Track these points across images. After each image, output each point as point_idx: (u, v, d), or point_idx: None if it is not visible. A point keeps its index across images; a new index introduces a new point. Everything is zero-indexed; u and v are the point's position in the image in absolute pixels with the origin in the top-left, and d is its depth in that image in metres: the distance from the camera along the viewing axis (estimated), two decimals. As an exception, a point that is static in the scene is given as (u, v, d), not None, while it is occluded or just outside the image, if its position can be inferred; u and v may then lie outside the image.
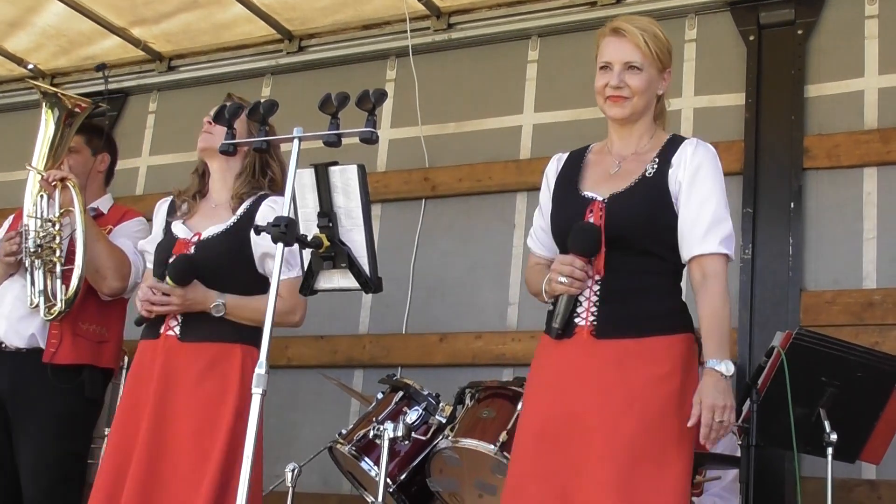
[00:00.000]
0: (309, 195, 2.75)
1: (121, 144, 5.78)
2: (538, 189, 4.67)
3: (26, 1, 5.32)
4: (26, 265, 3.74)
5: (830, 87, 4.35)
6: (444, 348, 4.75)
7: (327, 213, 2.73)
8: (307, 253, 2.77)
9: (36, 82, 4.16)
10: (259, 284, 3.20)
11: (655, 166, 2.78)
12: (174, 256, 3.20)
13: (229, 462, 2.99)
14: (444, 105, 5.07)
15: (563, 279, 2.69)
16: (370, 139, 2.64)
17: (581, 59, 4.78)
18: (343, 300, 4.85)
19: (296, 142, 2.66)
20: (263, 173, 3.31)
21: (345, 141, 2.70)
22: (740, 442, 3.37)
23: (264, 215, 3.14)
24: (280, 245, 2.58)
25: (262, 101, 2.74)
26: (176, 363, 3.11)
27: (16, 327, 3.76)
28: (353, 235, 2.74)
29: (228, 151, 2.82)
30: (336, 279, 2.78)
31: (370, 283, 2.75)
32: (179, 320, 3.16)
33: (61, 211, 3.75)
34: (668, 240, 2.75)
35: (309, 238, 2.69)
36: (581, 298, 2.72)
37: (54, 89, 4.02)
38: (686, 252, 2.73)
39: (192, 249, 3.21)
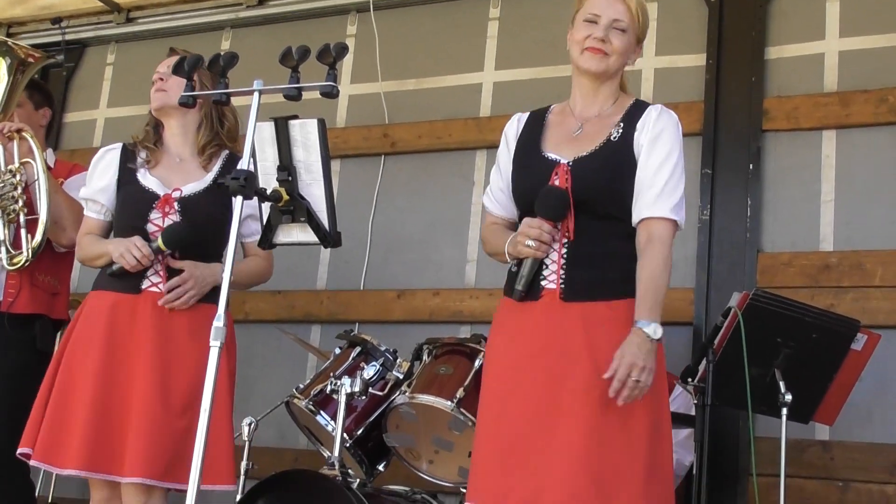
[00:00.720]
0: (268, 149, 2.74)
1: (78, 96, 5.79)
2: (498, 147, 4.72)
3: (-20, -51, 5.23)
4: None
5: (791, 50, 4.37)
6: (401, 305, 4.75)
7: (287, 167, 2.72)
8: (266, 206, 2.76)
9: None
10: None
11: (620, 130, 2.78)
12: (169, 221, 3.19)
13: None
14: (405, 61, 5.04)
15: (530, 242, 2.68)
16: (331, 93, 2.62)
17: (543, 18, 4.79)
18: (301, 256, 4.84)
19: (256, 95, 2.64)
20: (221, 124, 3.33)
21: (305, 96, 2.67)
22: (696, 401, 3.42)
23: None
24: (239, 198, 2.56)
25: (224, 53, 2.71)
26: (161, 320, 3.13)
27: None
28: (313, 190, 2.74)
29: (188, 104, 2.79)
30: (295, 233, 2.78)
31: (329, 238, 2.76)
32: (163, 276, 3.17)
33: (21, 161, 3.71)
34: (629, 204, 2.75)
35: (268, 192, 2.68)
36: (547, 261, 2.72)
37: (5, 38, 3.95)
38: (636, 214, 2.73)
39: (176, 206, 3.20)
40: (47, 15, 5.79)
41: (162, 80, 3.28)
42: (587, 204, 2.71)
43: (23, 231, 3.68)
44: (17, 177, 3.72)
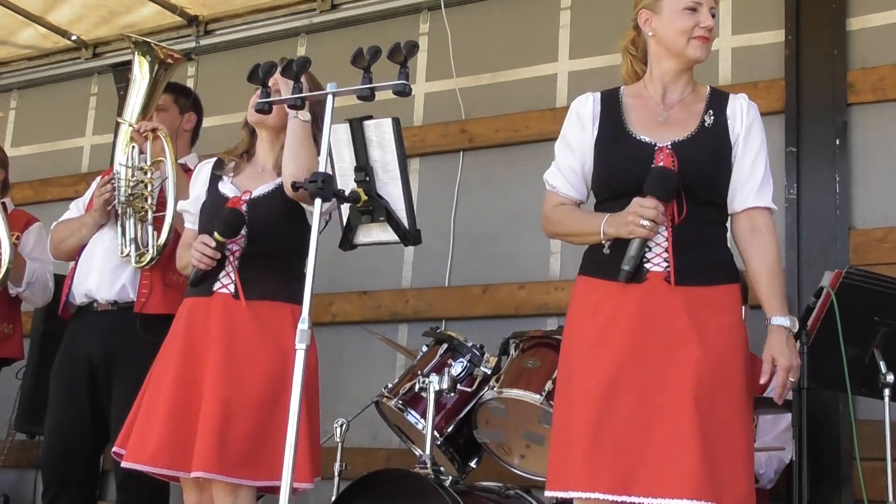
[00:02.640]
0: (345, 150, 2.76)
1: (160, 110, 5.88)
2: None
3: (66, -25, 5.37)
4: (119, 213, 3.79)
5: (874, 19, 4.26)
6: (486, 300, 4.74)
7: (364, 168, 2.74)
8: (345, 208, 2.78)
9: (128, 33, 4.16)
10: (302, 235, 3.19)
11: (712, 117, 2.77)
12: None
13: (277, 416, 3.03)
14: (479, 56, 5.03)
15: (645, 223, 2.63)
16: (403, 91, 2.62)
17: (614, 5, 4.72)
18: (385, 255, 4.86)
19: (329, 97, 2.66)
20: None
21: (381, 96, 2.69)
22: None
23: None
24: (318, 200, 2.58)
25: (297, 58, 2.74)
26: (232, 320, 3.14)
27: (108, 278, 3.80)
28: (391, 189, 2.75)
29: (264, 110, 2.82)
30: (375, 233, 2.80)
31: (409, 236, 2.77)
32: (233, 279, 3.18)
33: (153, 160, 3.78)
34: (724, 191, 2.77)
35: (346, 193, 2.70)
36: (651, 244, 2.68)
37: (146, 39, 4.01)
38: (739, 203, 2.77)
39: (243, 207, 3.22)
40: (130, 33, 5.90)
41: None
42: (691, 188, 2.70)
43: (149, 229, 3.74)
44: (148, 174, 3.78)
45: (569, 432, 2.67)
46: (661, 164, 2.69)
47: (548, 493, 2.68)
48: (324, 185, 2.57)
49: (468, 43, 5.03)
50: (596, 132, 2.83)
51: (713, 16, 2.78)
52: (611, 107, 2.85)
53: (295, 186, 2.67)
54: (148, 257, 3.74)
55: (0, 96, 6.53)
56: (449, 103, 5.02)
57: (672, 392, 2.58)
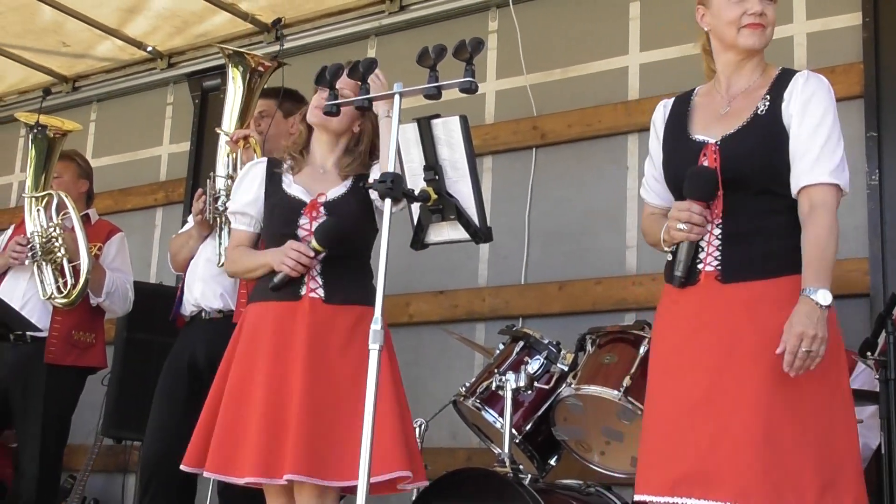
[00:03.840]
0: (413, 150, 2.76)
1: (234, 116, 5.96)
2: (649, 129, 4.63)
3: (140, -14, 5.49)
4: (218, 225, 3.85)
5: (953, -2, 4.14)
6: (563, 296, 4.71)
7: (433, 167, 2.73)
8: (416, 207, 2.77)
9: (221, 45, 4.25)
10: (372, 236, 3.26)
11: (767, 103, 2.70)
12: (321, 219, 3.23)
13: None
14: (548, 52, 5.01)
15: (681, 226, 2.62)
16: (469, 89, 2.61)
17: (686, -7, 4.67)
18: (461, 254, 4.86)
19: (396, 97, 2.66)
20: (370, 155, 3.32)
21: (451, 95, 2.69)
22: (878, 376, 3.26)
23: (376, 174, 3.15)
24: (388, 201, 2.58)
25: (363, 59, 2.74)
26: (323, 324, 3.16)
27: (211, 287, 3.85)
28: (460, 187, 2.74)
29: (332, 112, 2.83)
30: (446, 231, 2.79)
31: (480, 234, 2.75)
32: (320, 283, 3.20)
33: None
34: (786, 176, 2.66)
35: (416, 192, 2.70)
36: (702, 244, 2.66)
37: (238, 49, 4.09)
38: (794, 183, 2.64)
39: (322, 210, 3.24)
40: (203, 42, 6.03)
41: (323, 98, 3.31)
42: (739, 181, 2.64)
43: (225, 234, 3.79)
44: (231, 182, 3.83)
45: (648, 431, 2.69)
46: (703, 162, 2.67)
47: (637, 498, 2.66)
48: (393, 185, 2.57)
49: (537, 39, 5.00)
50: (663, 138, 2.86)
51: (771, 0, 2.72)
52: (679, 110, 2.85)
53: (365, 187, 2.67)
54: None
55: (80, 109, 6.67)
56: (520, 100, 5.00)
57: (728, 391, 2.54)
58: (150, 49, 6.10)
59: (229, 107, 3.98)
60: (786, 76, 2.73)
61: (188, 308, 3.94)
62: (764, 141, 2.66)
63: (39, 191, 4.56)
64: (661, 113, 2.90)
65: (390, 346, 3.23)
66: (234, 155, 3.84)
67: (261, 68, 3.95)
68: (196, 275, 3.91)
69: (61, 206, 4.52)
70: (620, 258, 4.63)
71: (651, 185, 2.91)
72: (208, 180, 3.88)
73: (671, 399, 2.63)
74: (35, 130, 4.57)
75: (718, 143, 2.68)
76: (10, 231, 4.92)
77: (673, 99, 2.91)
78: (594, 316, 4.50)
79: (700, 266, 2.66)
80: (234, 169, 3.82)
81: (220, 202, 3.81)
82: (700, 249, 2.66)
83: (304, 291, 3.20)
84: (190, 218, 4.08)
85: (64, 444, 4.69)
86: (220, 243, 3.82)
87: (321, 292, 3.20)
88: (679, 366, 2.63)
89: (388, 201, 2.59)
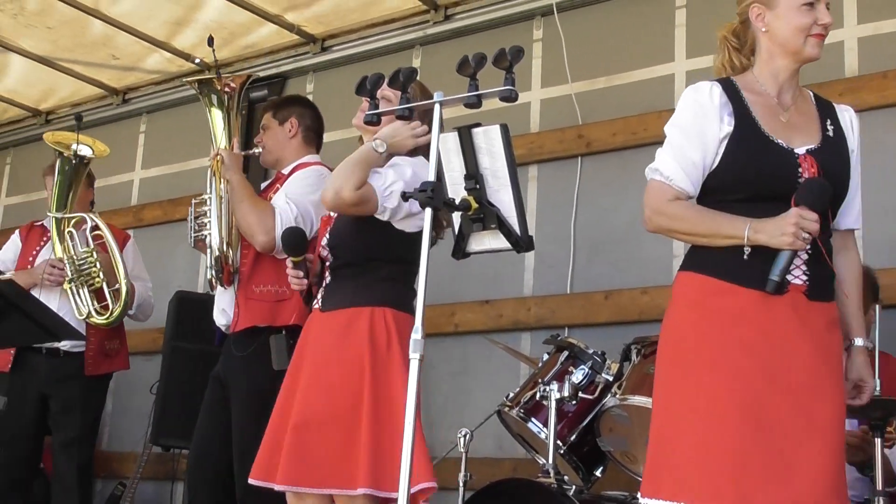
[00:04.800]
0: (454, 158, 2.74)
1: (282, 127, 6.00)
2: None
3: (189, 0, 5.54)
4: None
5: None
6: (609, 306, 4.68)
7: (473, 175, 2.71)
8: (457, 216, 2.76)
9: (188, 79, 4.34)
10: (388, 243, 3.21)
11: (831, 127, 2.70)
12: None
13: (355, 423, 3.03)
14: (593, 60, 4.98)
15: (806, 235, 2.53)
16: (510, 97, 2.60)
17: (732, 1, 4.61)
18: (506, 263, 4.84)
19: (437, 106, 2.66)
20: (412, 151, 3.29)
21: (495, 105, 2.68)
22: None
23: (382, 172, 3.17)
24: (428, 210, 2.58)
25: (403, 68, 2.74)
26: (317, 333, 3.18)
27: (217, 306, 3.97)
28: (501, 196, 2.72)
29: (373, 122, 2.84)
30: (487, 241, 2.77)
31: (521, 242, 2.73)
32: (324, 293, 3.23)
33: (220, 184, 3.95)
34: (837, 205, 2.70)
35: (457, 201, 2.69)
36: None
37: (202, 78, 4.16)
38: (844, 221, 2.76)
39: (330, 224, 3.28)
40: (250, 53, 6.09)
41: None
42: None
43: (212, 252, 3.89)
44: (205, 203, 3.96)
45: (703, 437, 2.54)
46: (807, 174, 2.61)
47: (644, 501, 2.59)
48: (433, 194, 2.57)
49: (582, 47, 4.98)
50: (728, 128, 2.66)
51: (828, 9, 2.69)
52: (736, 100, 2.70)
53: (405, 196, 2.67)
54: (214, 280, 3.92)
55: (130, 121, 6.76)
56: (565, 109, 4.98)
57: (815, 417, 2.51)
58: (198, 61, 6.13)
59: (212, 130, 4.11)
60: (826, 103, 2.79)
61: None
62: (843, 165, 2.70)
63: (66, 211, 4.65)
64: (715, 96, 2.69)
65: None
66: (215, 173, 3.97)
67: (227, 89, 4.05)
68: (216, 296, 4.03)
69: (94, 229, 4.64)
70: (667, 267, 4.57)
71: (685, 167, 2.69)
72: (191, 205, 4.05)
73: (760, 414, 2.52)
74: (64, 155, 4.66)
75: (808, 154, 2.64)
76: (15, 238, 5.02)
77: (718, 83, 2.73)
78: (641, 326, 4.45)
79: (788, 277, 2.59)
80: (209, 190, 3.97)
81: (199, 223, 3.96)
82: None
83: (314, 303, 3.26)
84: None
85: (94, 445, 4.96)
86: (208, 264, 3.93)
87: (320, 302, 3.24)
88: (771, 381, 2.55)
89: (428, 210, 2.59)
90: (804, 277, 2.59)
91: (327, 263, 3.24)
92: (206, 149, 6.34)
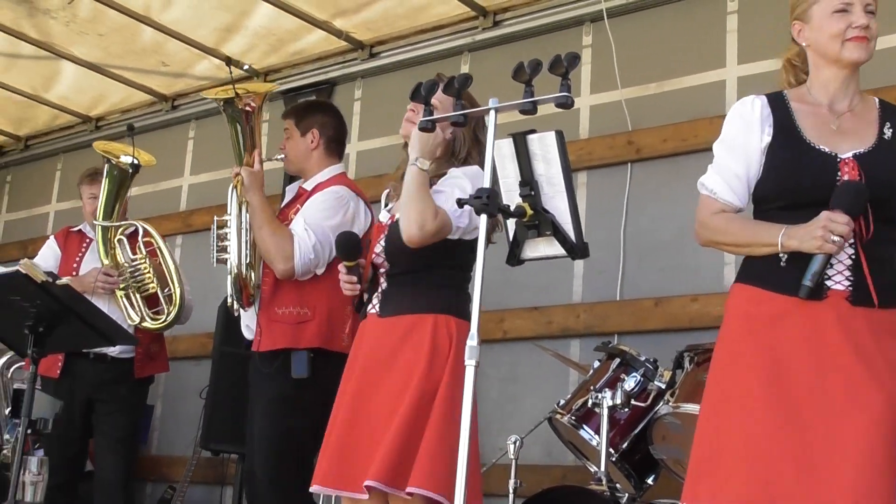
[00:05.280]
0: (509, 165, 2.74)
1: (330, 133, 6.03)
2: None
3: (239, 6, 5.58)
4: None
5: None
6: (659, 313, 4.65)
7: (528, 182, 2.71)
8: (511, 223, 2.76)
9: (216, 96, 4.27)
10: (446, 250, 3.19)
11: (891, 130, 2.67)
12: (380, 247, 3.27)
13: (412, 427, 3.01)
14: (643, 66, 4.96)
15: (836, 238, 2.51)
16: (566, 104, 2.59)
17: (782, 6, 4.55)
18: (556, 270, 4.83)
19: (492, 113, 2.65)
20: (465, 162, 3.28)
21: (545, 111, 2.67)
22: None
23: (445, 183, 3.18)
24: (483, 216, 2.58)
25: (458, 75, 2.74)
26: (377, 339, 3.17)
27: (243, 321, 4.03)
28: (556, 202, 2.71)
29: (428, 129, 2.84)
30: (541, 248, 2.76)
31: (576, 249, 2.72)
32: (380, 298, 3.22)
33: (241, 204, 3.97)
34: None
35: (512, 208, 2.69)
36: (833, 260, 2.57)
37: (226, 97, 4.08)
38: None
39: (385, 231, 3.25)
40: (299, 59, 6.12)
41: (413, 111, 3.31)
42: (878, 202, 2.58)
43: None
44: (226, 224, 3.96)
45: (745, 441, 2.55)
46: (846, 177, 2.59)
47: None
48: (489, 201, 2.57)
49: (632, 53, 4.96)
50: (768, 138, 2.71)
51: (872, 13, 2.65)
52: (780, 111, 2.74)
53: (460, 203, 2.67)
54: (233, 302, 3.95)
55: (179, 127, 6.83)
56: (614, 115, 4.96)
57: (856, 421, 2.46)
58: (246, 67, 6.18)
59: (233, 144, 4.07)
60: (892, 108, 2.74)
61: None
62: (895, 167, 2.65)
63: (114, 219, 4.70)
64: (756, 109, 2.75)
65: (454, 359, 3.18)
66: (237, 193, 3.97)
67: (248, 107, 4.01)
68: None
69: (145, 236, 4.70)
70: (718, 274, 4.54)
71: (729, 180, 2.75)
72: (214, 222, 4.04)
73: (799, 418, 2.52)
74: (113, 163, 4.71)
75: (853, 158, 2.61)
76: (52, 244, 5.07)
77: (763, 97, 2.77)
78: (691, 333, 4.42)
79: (828, 282, 2.57)
80: (229, 210, 3.97)
81: (220, 245, 3.96)
82: (830, 265, 2.58)
83: (369, 308, 3.26)
84: None
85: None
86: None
87: (378, 307, 3.23)
88: (810, 385, 2.53)
89: (483, 217, 2.59)
90: (847, 283, 2.56)
91: (382, 270, 3.24)
92: (255, 155, 6.46)
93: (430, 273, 3.16)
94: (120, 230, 4.74)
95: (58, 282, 3.43)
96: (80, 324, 3.57)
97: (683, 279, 4.64)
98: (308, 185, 4.08)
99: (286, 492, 3.74)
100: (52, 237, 5.20)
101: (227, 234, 3.95)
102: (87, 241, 5.04)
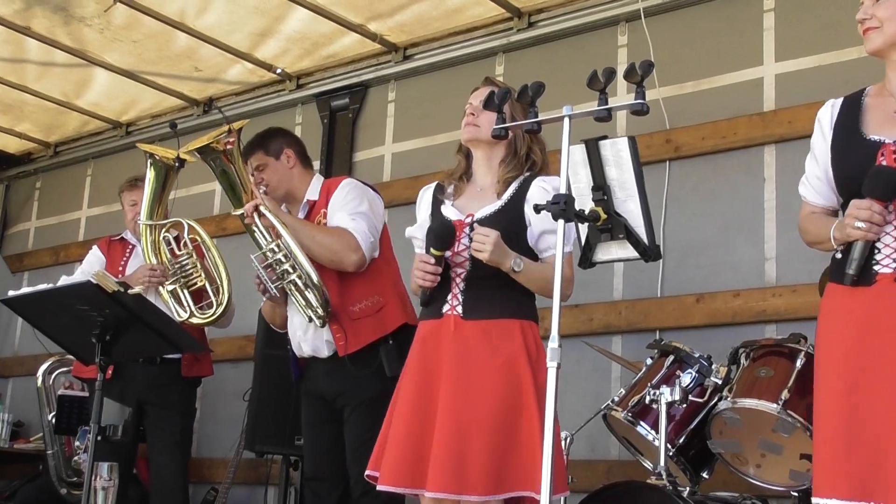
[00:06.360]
0: (581, 171, 2.81)
1: (365, 135, 6.11)
2: (786, 140, 4.58)
3: (274, 11, 5.61)
4: (288, 291, 3.96)
5: None
6: (701, 309, 4.70)
7: (601, 187, 2.78)
8: (584, 227, 2.83)
9: (179, 157, 4.40)
10: (528, 256, 3.25)
11: None
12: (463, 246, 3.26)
13: (508, 432, 3.07)
14: (680, 64, 5.00)
15: (860, 224, 2.61)
16: (641, 111, 2.67)
17: (821, 3, 4.64)
18: (596, 268, 4.82)
19: (566, 120, 2.72)
20: (527, 158, 3.34)
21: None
22: None
23: (535, 195, 3.20)
24: (561, 221, 2.64)
25: (531, 83, 2.80)
26: (464, 342, 3.18)
27: (315, 343, 3.99)
28: (629, 206, 2.79)
29: (501, 136, 2.90)
30: (614, 250, 2.84)
31: (649, 252, 2.80)
32: (460, 300, 3.24)
33: (273, 237, 3.91)
34: None
35: (586, 212, 2.75)
36: (879, 245, 2.65)
37: (202, 146, 4.05)
38: None
39: (466, 231, 3.25)
40: (331, 63, 6.16)
41: (473, 114, 3.34)
42: None
43: (307, 292, 3.88)
44: (277, 250, 3.89)
45: (819, 435, 2.70)
46: (882, 161, 2.65)
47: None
48: (566, 207, 2.63)
49: (669, 52, 5.00)
50: (831, 137, 2.84)
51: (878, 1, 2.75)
52: (849, 110, 2.84)
53: (537, 209, 2.72)
54: (321, 317, 3.89)
55: (211, 131, 6.83)
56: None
57: None
58: (279, 71, 6.24)
59: (228, 192, 4.07)
60: None
61: (306, 357, 4.08)
62: None
63: (157, 218, 4.73)
64: (828, 112, 2.89)
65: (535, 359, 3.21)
66: (259, 228, 3.93)
67: (228, 146, 3.98)
68: (298, 336, 4.06)
69: (190, 232, 4.71)
70: (759, 270, 4.61)
71: (813, 183, 2.90)
72: (253, 262, 3.98)
73: (857, 406, 2.61)
74: (157, 158, 4.75)
75: (894, 143, 2.67)
76: (96, 251, 5.16)
77: (841, 99, 2.89)
78: (734, 328, 4.50)
79: (877, 267, 2.65)
80: (267, 240, 3.91)
81: (274, 274, 3.91)
82: (877, 250, 2.66)
83: (445, 309, 3.26)
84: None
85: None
86: (299, 306, 3.93)
87: (460, 309, 3.24)
88: (860, 369, 2.62)
89: (561, 221, 2.65)
90: (894, 265, 2.63)
91: (460, 271, 3.25)
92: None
93: (510, 279, 3.19)
94: (164, 228, 4.78)
95: (129, 291, 3.49)
96: (147, 331, 3.62)
97: (725, 275, 4.70)
98: (313, 196, 4.13)
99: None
100: (94, 246, 5.27)
101: (278, 260, 3.90)
102: (130, 247, 5.11)
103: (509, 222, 3.25)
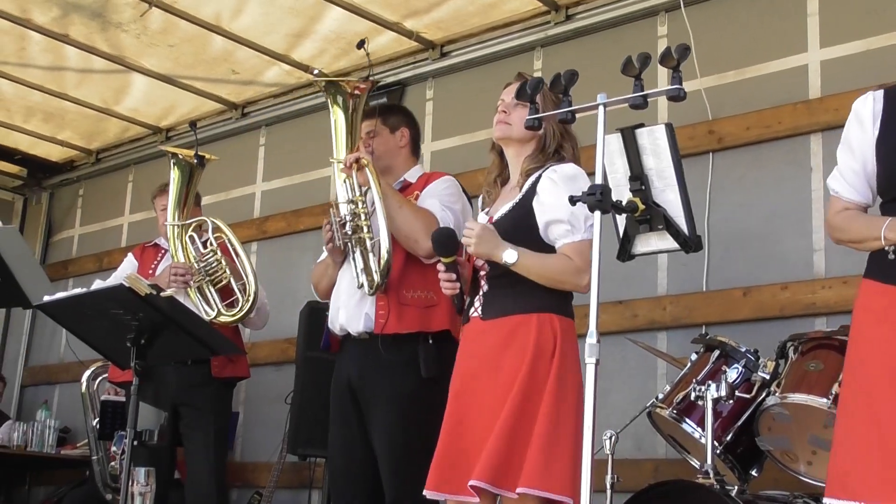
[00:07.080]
0: (618, 160, 2.74)
1: (402, 133, 6.04)
2: (833, 128, 4.47)
3: (309, 11, 5.58)
4: (350, 248, 3.84)
5: None
6: (748, 303, 4.59)
7: (639, 176, 2.71)
8: (621, 218, 2.75)
9: (316, 77, 4.31)
10: (545, 250, 3.18)
11: None
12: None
13: (517, 427, 3.00)
14: (722, 54, 4.90)
15: None
16: (678, 96, 2.60)
17: (864, -14, 4.53)
18: (640, 263, 4.69)
19: (601, 108, 2.65)
20: (556, 153, 3.25)
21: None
22: None
23: (544, 185, 3.14)
24: (597, 213, 2.57)
25: (564, 71, 2.73)
26: (481, 342, 3.16)
27: (354, 312, 3.84)
28: (667, 195, 2.72)
29: (534, 127, 2.84)
30: (653, 242, 2.77)
31: (689, 242, 2.72)
32: (482, 301, 3.20)
33: (363, 189, 3.83)
34: None
35: (623, 203, 2.67)
36: None
37: (332, 78, 4.11)
38: None
39: None
40: (368, 63, 6.10)
41: (505, 111, 3.28)
42: None
43: (371, 256, 3.77)
44: (360, 205, 3.83)
45: (866, 439, 2.58)
46: None
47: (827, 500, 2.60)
48: (602, 198, 2.56)
49: (710, 41, 4.89)
50: (877, 132, 2.73)
51: None
52: (893, 103, 2.74)
53: (572, 200, 2.65)
54: (374, 284, 3.76)
55: (250, 134, 6.87)
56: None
57: None
58: (315, 72, 6.20)
59: (334, 135, 3.98)
60: None
61: (337, 331, 3.97)
62: None
63: (183, 218, 4.76)
64: (869, 105, 2.78)
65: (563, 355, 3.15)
66: (351, 179, 3.84)
67: (357, 91, 3.93)
68: (339, 301, 3.92)
69: (215, 230, 4.74)
70: (808, 261, 4.49)
71: (847, 177, 2.80)
72: (331, 208, 3.91)
73: (882, 403, 2.55)
74: (179, 157, 4.75)
75: None
76: (130, 258, 5.20)
77: (881, 91, 2.79)
78: (783, 322, 4.39)
79: None
80: (355, 193, 3.83)
81: (347, 227, 3.82)
82: None
83: (471, 312, 3.25)
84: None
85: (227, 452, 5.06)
86: (355, 267, 3.82)
87: (480, 310, 3.21)
88: None
89: (597, 213, 2.58)
90: None
91: (483, 273, 3.21)
92: (325, 159, 6.45)
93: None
94: (190, 227, 4.77)
95: (162, 294, 3.46)
96: (182, 334, 3.60)
97: (772, 267, 4.58)
98: (411, 178, 4.04)
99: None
100: (129, 253, 5.31)
101: (359, 213, 3.81)
102: (162, 252, 5.11)
103: (522, 216, 3.20)
